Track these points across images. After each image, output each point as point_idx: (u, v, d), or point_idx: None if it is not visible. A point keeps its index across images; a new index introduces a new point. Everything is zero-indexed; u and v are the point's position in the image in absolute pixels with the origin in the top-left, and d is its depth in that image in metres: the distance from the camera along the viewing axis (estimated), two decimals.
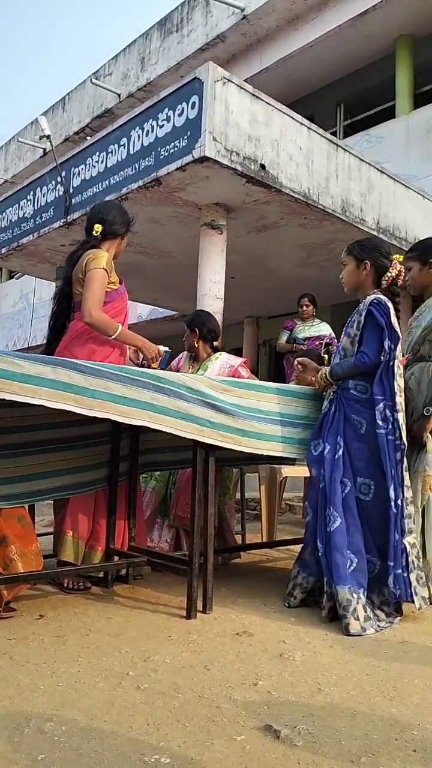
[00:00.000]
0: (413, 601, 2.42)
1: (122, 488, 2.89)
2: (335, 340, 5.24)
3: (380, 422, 2.47)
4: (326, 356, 3.77)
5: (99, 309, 2.71)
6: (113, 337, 2.73)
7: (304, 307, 6.23)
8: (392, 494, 2.42)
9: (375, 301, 2.57)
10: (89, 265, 2.74)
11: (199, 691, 1.69)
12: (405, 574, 2.41)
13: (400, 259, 2.77)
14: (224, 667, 1.87)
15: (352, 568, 2.38)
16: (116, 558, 2.79)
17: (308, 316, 6.23)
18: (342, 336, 2.78)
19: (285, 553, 3.74)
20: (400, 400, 2.53)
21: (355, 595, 2.33)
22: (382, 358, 2.53)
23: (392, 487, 2.43)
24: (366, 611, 2.33)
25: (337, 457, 2.51)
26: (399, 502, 2.44)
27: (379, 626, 2.32)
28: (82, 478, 2.77)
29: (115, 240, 2.95)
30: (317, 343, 5.75)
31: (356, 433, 2.54)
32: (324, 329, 6.14)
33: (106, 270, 2.76)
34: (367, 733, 1.49)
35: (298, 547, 3.11)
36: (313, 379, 2.79)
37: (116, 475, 2.84)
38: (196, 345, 3.53)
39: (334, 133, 9.94)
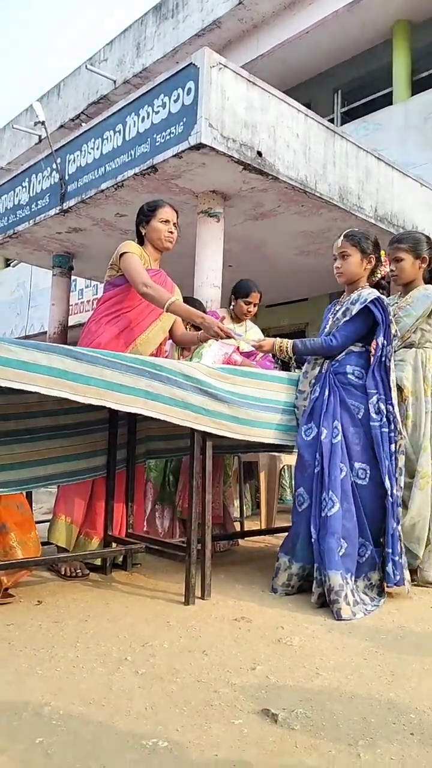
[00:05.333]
0: (404, 585, 2.49)
1: (120, 476, 2.89)
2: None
3: (374, 415, 2.53)
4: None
5: (148, 279, 2.78)
6: (166, 307, 2.74)
7: (253, 307, 3.95)
8: (388, 485, 2.48)
9: (377, 299, 2.62)
10: (119, 253, 2.89)
11: (197, 676, 1.69)
12: (401, 561, 2.47)
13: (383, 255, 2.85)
14: (222, 652, 1.88)
15: (342, 552, 2.39)
16: (114, 545, 2.79)
17: (247, 318, 4.02)
18: (327, 319, 2.81)
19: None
20: (394, 394, 2.59)
21: (345, 580, 2.35)
22: (374, 352, 2.59)
23: (387, 478, 2.49)
24: (354, 596, 2.36)
25: (335, 441, 2.51)
26: (394, 491, 2.50)
27: (366, 610, 2.33)
28: (80, 465, 2.77)
29: (143, 235, 3.03)
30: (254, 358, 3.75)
31: (353, 419, 2.56)
32: (256, 335, 3.95)
33: (133, 253, 2.87)
34: (364, 717, 1.49)
35: None
36: (264, 345, 2.84)
37: (114, 463, 2.83)
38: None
39: (331, 120, 9.87)
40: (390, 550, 2.46)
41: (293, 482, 2.62)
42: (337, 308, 2.79)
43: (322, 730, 1.42)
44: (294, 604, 2.43)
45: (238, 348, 3.57)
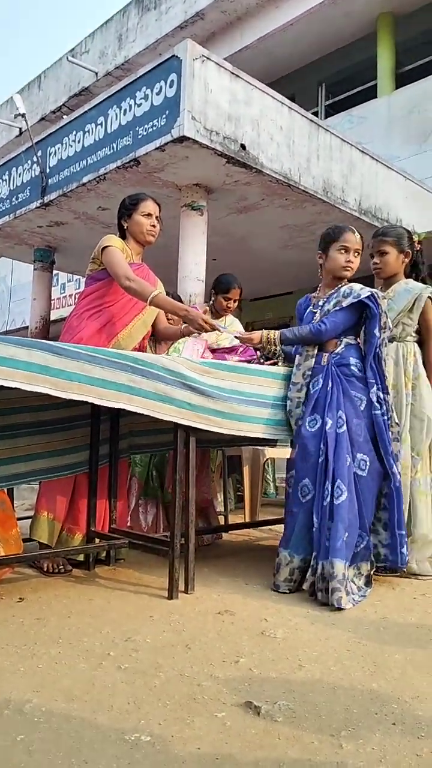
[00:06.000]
0: (404, 569, 2.65)
1: (103, 471, 2.88)
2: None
3: (376, 404, 2.61)
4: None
5: (130, 273, 2.76)
6: (149, 301, 2.72)
7: (233, 303, 3.86)
8: (395, 470, 2.58)
9: (373, 294, 2.69)
10: (101, 247, 2.86)
11: (180, 670, 1.69)
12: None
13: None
14: (205, 646, 1.87)
15: (344, 541, 2.41)
16: (98, 540, 2.78)
17: (227, 314, 3.94)
18: (312, 314, 2.82)
19: (267, 533, 3.76)
20: (391, 385, 2.71)
21: (347, 569, 2.38)
22: (370, 342, 2.67)
23: (393, 463, 2.58)
24: (349, 585, 2.37)
25: (340, 431, 2.54)
26: (399, 476, 2.59)
27: (354, 600, 2.35)
28: (62, 461, 2.75)
29: (125, 229, 3.00)
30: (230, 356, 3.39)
31: (356, 410, 2.60)
32: (237, 329, 3.87)
33: (115, 246, 2.84)
34: (347, 708, 1.50)
35: (280, 527, 3.12)
36: (254, 338, 2.83)
37: (96, 459, 2.82)
38: None
39: (315, 113, 9.86)
40: (403, 532, 2.56)
41: (295, 474, 2.60)
42: (320, 303, 2.80)
43: (304, 721, 1.42)
44: (278, 596, 2.44)
45: (207, 345, 3.56)
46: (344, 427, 2.54)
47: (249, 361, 3.18)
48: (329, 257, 2.80)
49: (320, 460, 2.53)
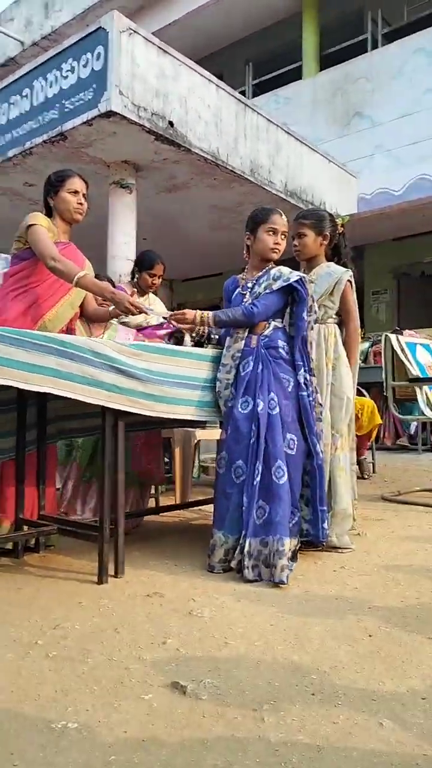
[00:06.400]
0: (325, 543, 2.78)
1: (31, 457, 2.83)
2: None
3: (303, 385, 2.71)
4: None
5: (56, 253, 2.70)
6: (75, 282, 2.66)
7: (157, 279, 3.87)
8: (318, 449, 2.71)
9: (302, 279, 2.74)
10: (26, 225, 2.78)
11: (108, 655, 1.71)
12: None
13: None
14: (134, 629, 1.90)
15: (283, 518, 2.49)
16: (26, 528, 2.74)
17: (151, 291, 3.97)
18: (242, 295, 2.85)
19: (198, 514, 3.82)
20: (313, 366, 2.80)
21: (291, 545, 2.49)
22: (298, 326, 2.74)
23: (317, 442, 2.70)
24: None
25: (273, 413, 2.61)
26: (322, 455, 2.72)
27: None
28: None
29: (51, 206, 2.93)
30: (160, 334, 3.72)
31: (285, 392, 2.68)
32: (160, 308, 3.92)
33: (41, 225, 2.78)
34: (269, 682, 1.56)
35: (210, 508, 3.17)
36: (187, 315, 2.82)
37: (23, 444, 2.76)
38: None
39: (242, 92, 9.83)
40: (324, 509, 2.70)
41: (228, 455, 2.63)
42: (249, 285, 2.83)
43: (228, 697, 1.48)
44: (206, 576, 2.49)
45: (137, 332, 3.55)
46: (277, 409, 2.61)
47: (173, 335, 3.23)
48: (257, 239, 2.82)
49: (252, 441, 2.58)
